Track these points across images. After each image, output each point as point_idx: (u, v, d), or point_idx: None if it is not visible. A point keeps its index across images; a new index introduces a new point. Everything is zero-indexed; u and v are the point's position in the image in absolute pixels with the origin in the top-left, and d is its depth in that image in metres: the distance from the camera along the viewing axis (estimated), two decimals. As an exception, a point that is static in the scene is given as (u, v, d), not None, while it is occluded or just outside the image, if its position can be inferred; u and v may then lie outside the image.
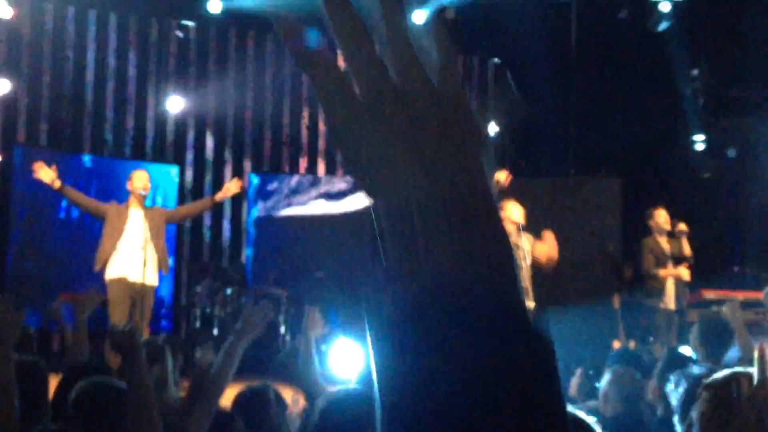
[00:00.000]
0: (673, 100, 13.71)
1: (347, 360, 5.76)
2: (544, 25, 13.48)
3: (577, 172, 14.57)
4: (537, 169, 14.25)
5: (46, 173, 8.89)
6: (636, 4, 13.59)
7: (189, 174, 13.87)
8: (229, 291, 11.68)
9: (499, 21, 13.33)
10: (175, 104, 13.44)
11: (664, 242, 10.60)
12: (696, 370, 4.41)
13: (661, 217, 10.58)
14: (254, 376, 5.54)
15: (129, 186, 9.30)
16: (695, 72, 13.77)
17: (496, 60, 14.87)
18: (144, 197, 9.30)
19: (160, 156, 13.66)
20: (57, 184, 8.95)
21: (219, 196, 9.85)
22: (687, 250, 10.63)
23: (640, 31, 13.57)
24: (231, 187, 9.82)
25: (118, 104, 13.41)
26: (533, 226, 10.83)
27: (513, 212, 9.31)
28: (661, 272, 10.43)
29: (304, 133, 14.42)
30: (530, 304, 9.75)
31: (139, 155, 13.48)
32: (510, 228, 9.44)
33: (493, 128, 14.98)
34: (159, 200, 12.32)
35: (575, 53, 14.38)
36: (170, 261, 9.97)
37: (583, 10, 14.07)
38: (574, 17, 14.17)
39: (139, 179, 9.21)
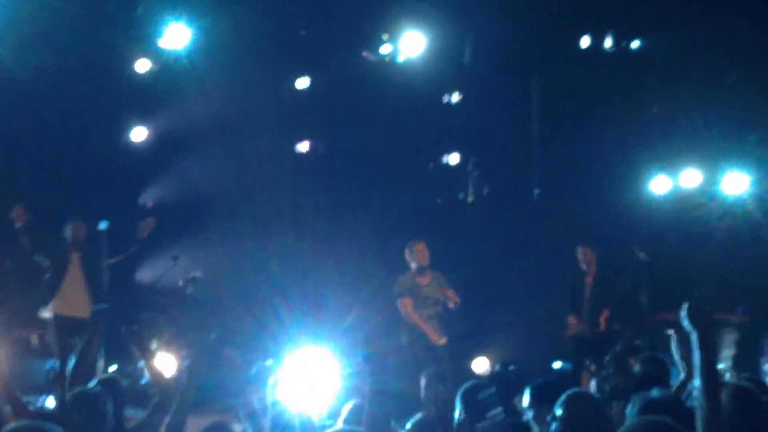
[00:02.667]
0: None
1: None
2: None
3: (542, 198, 14.74)
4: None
5: (20, 215, 10.04)
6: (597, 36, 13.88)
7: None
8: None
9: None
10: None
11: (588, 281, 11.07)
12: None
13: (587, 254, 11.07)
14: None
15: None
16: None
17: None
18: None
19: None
20: (24, 225, 10.04)
21: (142, 233, 10.91)
22: None
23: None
24: (149, 222, 10.97)
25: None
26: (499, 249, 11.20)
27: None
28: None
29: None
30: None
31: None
32: None
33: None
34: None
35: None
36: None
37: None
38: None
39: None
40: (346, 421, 5.34)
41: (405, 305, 10.35)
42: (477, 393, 5.38)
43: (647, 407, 4.01)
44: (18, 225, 9.99)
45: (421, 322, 10.26)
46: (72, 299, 10.13)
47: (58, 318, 10.06)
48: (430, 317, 10.29)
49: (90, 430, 4.58)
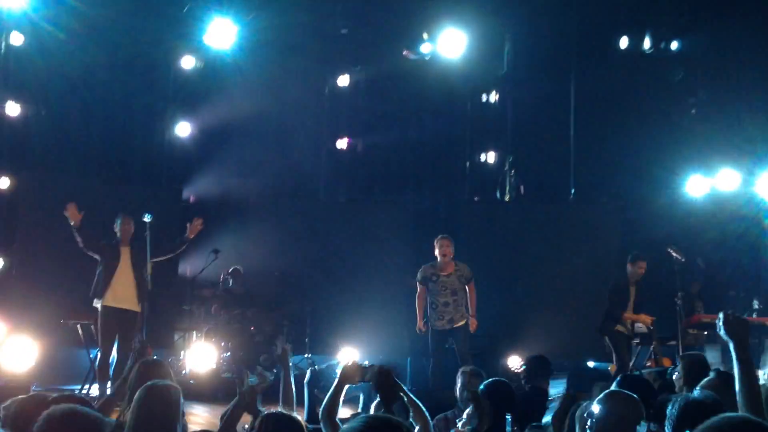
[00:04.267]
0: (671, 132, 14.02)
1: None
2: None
3: (578, 197, 14.81)
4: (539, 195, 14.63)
5: (74, 213, 10.08)
6: (636, 37, 13.91)
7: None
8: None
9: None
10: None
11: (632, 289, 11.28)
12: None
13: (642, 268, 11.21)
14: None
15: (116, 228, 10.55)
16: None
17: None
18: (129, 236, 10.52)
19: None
20: (78, 224, 10.14)
21: (188, 235, 10.85)
22: None
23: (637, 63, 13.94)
24: (196, 225, 10.82)
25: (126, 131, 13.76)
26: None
27: None
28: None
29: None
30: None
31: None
32: None
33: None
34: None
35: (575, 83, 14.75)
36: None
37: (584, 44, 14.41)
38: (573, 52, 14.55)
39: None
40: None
41: (418, 291, 11.08)
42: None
43: (688, 408, 4.04)
44: (72, 224, 10.17)
45: (421, 310, 10.99)
46: (122, 293, 10.35)
47: (106, 309, 10.30)
48: (447, 304, 10.71)
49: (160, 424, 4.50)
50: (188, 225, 10.88)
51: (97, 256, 10.44)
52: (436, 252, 10.94)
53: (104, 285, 10.30)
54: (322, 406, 5.32)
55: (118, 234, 10.49)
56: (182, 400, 4.47)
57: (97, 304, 10.29)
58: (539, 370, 7.65)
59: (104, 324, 10.24)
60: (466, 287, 10.91)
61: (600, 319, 11.34)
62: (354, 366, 5.49)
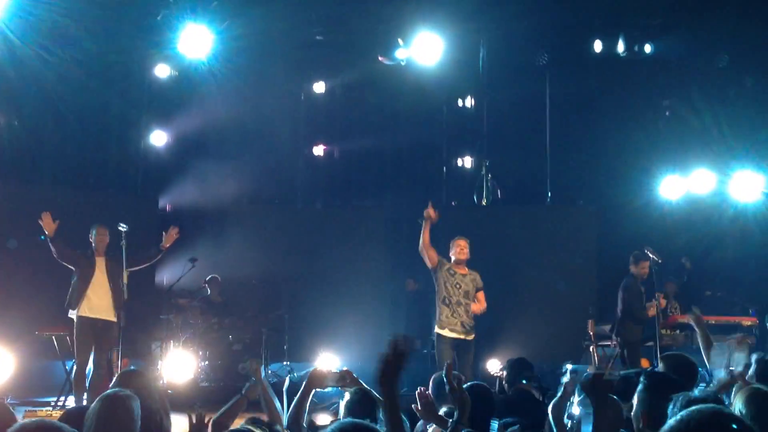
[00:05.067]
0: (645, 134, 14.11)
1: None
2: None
3: (554, 201, 14.86)
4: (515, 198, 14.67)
5: (48, 223, 10.07)
6: (609, 40, 13.96)
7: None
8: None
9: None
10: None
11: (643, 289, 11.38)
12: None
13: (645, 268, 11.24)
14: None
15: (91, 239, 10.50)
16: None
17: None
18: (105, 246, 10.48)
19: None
20: (52, 234, 10.12)
21: (164, 244, 10.75)
22: None
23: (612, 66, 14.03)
24: (172, 234, 10.74)
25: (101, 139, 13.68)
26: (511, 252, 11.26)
27: None
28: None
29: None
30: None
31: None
32: None
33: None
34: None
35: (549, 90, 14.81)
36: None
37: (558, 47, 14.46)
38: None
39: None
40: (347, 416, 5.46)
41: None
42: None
43: (689, 406, 4.03)
44: (46, 233, 10.12)
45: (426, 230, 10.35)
46: (98, 303, 10.29)
47: (82, 319, 10.23)
48: (459, 303, 10.38)
49: None
50: (164, 234, 10.82)
51: (71, 267, 10.36)
52: (452, 252, 10.55)
53: (79, 295, 10.24)
54: (289, 413, 5.29)
55: (94, 244, 10.42)
56: (138, 410, 4.40)
57: (73, 314, 10.22)
58: (521, 372, 7.65)
59: (80, 335, 10.17)
60: (476, 297, 10.48)
61: (617, 327, 11.31)
62: (321, 371, 5.47)
